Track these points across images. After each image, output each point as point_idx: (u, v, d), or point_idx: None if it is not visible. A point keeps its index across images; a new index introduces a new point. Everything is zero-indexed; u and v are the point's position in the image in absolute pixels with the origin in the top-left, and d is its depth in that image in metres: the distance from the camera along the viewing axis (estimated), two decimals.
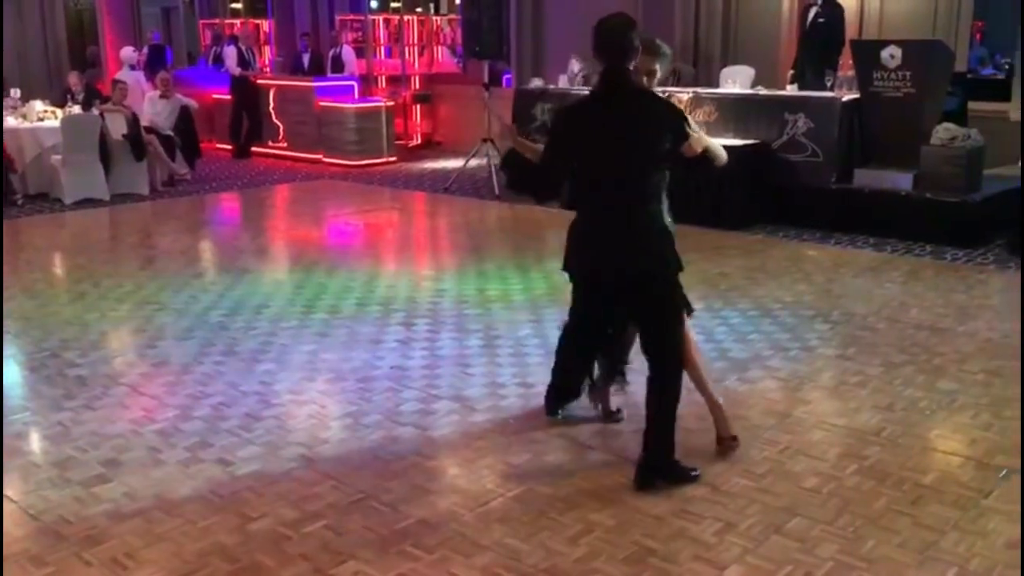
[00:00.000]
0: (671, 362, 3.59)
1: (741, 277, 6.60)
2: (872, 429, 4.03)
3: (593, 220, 3.64)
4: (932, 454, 3.89)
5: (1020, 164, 7.09)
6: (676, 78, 9.99)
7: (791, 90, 8.77)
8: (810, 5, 9.02)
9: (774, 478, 3.60)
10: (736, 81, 9.29)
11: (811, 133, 8.16)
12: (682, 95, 8.97)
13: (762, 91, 8.94)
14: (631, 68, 3.50)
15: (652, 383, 3.57)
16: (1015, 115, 9.01)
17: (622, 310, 3.77)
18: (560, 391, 4.17)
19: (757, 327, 5.45)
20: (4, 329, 5.48)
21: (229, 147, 13.04)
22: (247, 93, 12.75)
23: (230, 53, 12.75)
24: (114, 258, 7.62)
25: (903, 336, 5.25)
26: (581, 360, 4.08)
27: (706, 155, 3.70)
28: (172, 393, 4.49)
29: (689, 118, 3.66)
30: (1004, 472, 3.63)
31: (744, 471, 3.66)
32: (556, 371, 4.16)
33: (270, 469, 3.67)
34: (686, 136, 3.53)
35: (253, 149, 12.98)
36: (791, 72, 9.12)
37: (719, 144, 3.83)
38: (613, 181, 3.54)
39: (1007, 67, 9.43)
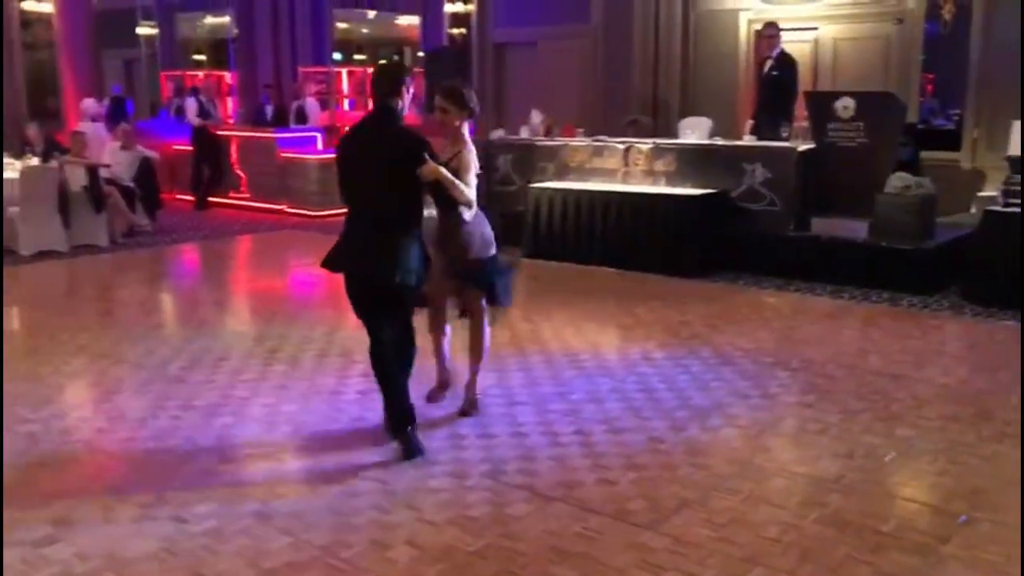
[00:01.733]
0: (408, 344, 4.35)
1: (702, 324, 6.65)
2: (832, 476, 4.05)
3: (349, 231, 4.24)
4: (891, 501, 3.91)
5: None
6: (636, 129, 10.15)
7: (748, 140, 8.94)
8: (766, 58, 9.24)
9: (736, 527, 3.59)
10: (695, 132, 9.46)
11: (769, 182, 8.30)
12: (642, 145, 9.10)
13: (720, 141, 9.10)
14: (394, 105, 4.14)
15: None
16: (966, 164, 9.26)
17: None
18: (399, 415, 4.32)
19: (718, 375, 5.47)
20: None
21: (191, 198, 12.98)
22: (207, 144, 12.74)
23: (190, 105, 12.76)
24: (71, 310, 7.51)
25: (861, 383, 5.30)
26: (396, 376, 4.32)
27: (440, 184, 4.20)
28: (126, 449, 4.40)
29: (428, 150, 4.14)
30: (963, 518, 3.66)
31: (706, 520, 3.64)
32: (385, 398, 4.37)
33: (225, 526, 3.59)
34: (422, 161, 4.06)
35: (215, 200, 12.93)
36: (750, 122, 9.30)
37: (466, 187, 4.31)
38: (361, 198, 4.18)
39: (956, 119, 9.70)
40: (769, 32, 9.19)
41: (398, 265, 4.09)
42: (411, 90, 4.22)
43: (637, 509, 3.73)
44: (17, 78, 12.69)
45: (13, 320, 7.38)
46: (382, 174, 4.10)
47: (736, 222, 8.43)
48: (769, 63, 9.13)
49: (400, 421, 4.31)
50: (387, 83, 4.19)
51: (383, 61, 18.01)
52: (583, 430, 4.58)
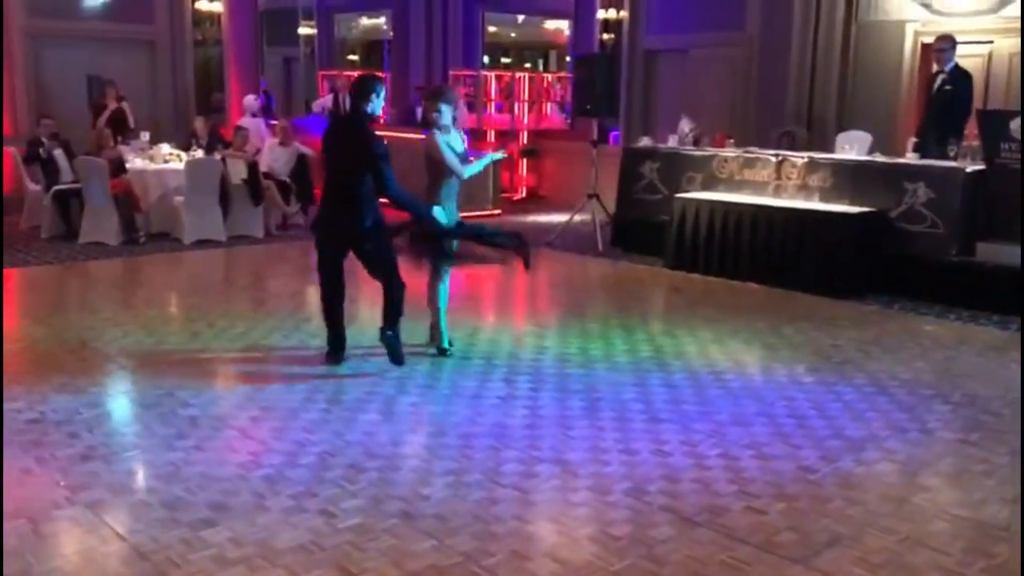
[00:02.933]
0: (394, 280, 5.67)
1: (854, 350, 6.37)
2: (1000, 524, 3.79)
3: (326, 199, 5.68)
4: None
5: None
6: (790, 141, 9.84)
7: (911, 157, 8.52)
8: (937, 72, 8.78)
9: (892, 570, 3.40)
10: (853, 146, 9.08)
11: (932, 203, 7.89)
12: (796, 159, 8.81)
13: (880, 158, 8.71)
14: (364, 107, 5.46)
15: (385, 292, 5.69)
16: None
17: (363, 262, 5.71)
18: (338, 341, 5.79)
19: (873, 404, 5.22)
20: (122, 366, 5.71)
21: None
22: None
23: (326, 102, 13.15)
24: (229, 298, 7.85)
25: None
26: (338, 310, 5.77)
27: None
28: (279, 439, 4.55)
29: (381, 144, 5.43)
30: None
31: (860, 559, 3.47)
32: (328, 326, 5.79)
33: (372, 524, 3.66)
34: (371, 153, 5.36)
35: None
36: (913, 140, 8.86)
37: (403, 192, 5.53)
38: (337, 175, 5.54)
39: None
40: (942, 45, 8.71)
41: (364, 217, 5.44)
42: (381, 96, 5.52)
43: (786, 541, 3.59)
44: (187, 74, 13.38)
45: (174, 305, 7.79)
46: (350, 159, 5.43)
47: (894, 243, 8.05)
48: (941, 77, 8.66)
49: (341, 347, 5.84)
50: (360, 89, 5.47)
51: (528, 65, 18.17)
52: (729, 453, 4.45)
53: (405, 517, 3.72)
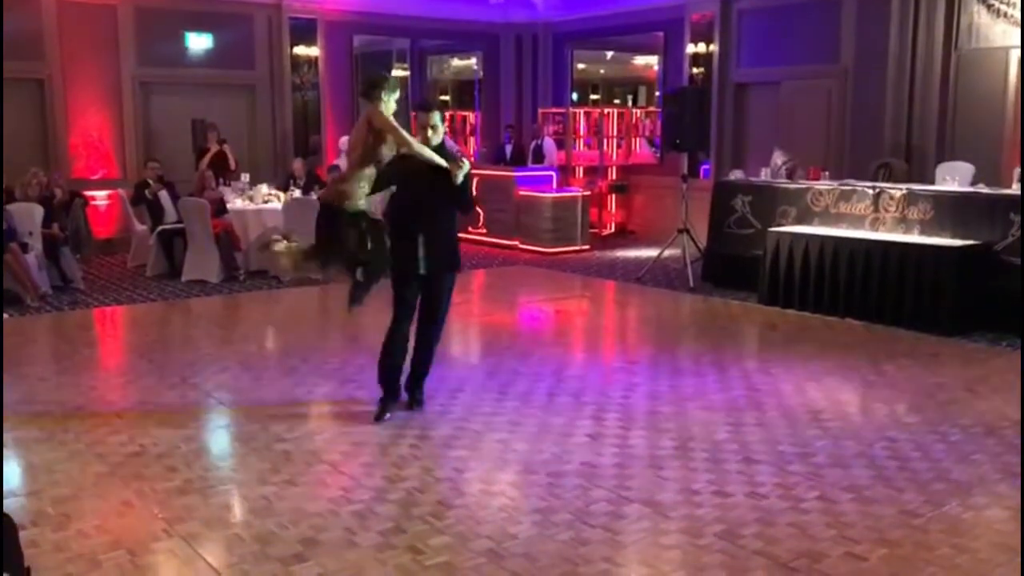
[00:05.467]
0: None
1: (960, 388, 6.10)
2: None
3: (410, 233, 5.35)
4: None
5: None
6: (888, 173, 9.58)
7: (1017, 188, 8.17)
8: None
9: None
10: (954, 178, 8.78)
11: None
12: (895, 191, 8.56)
13: (984, 189, 8.39)
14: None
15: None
16: None
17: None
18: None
19: (981, 446, 4.98)
20: (220, 400, 5.86)
21: None
22: None
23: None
24: (322, 335, 8.01)
25: None
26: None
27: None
28: (369, 474, 4.59)
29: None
30: None
31: None
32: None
33: (459, 562, 3.65)
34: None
35: None
36: (1018, 170, 8.51)
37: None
38: (423, 206, 5.32)
39: None
40: None
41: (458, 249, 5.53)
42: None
43: None
44: (286, 117, 13.82)
45: (271, 341, 7.98)
46: (436, 186, 5.22)
47: (1000, 277, 7.71)
48: None
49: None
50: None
51: (616, 101, 18.19)
52: (827, 496, 4.29)
53: (492, 556, 3.69)
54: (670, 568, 3.62)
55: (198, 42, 13.05)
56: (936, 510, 4.14)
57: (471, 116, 16.16)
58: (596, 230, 13.54)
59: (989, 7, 9.93)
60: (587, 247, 12.55)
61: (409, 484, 4.44)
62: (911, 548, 3.77)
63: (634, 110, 15.29)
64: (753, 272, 9.11)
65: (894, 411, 5.60)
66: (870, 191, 8.73)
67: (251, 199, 10.87)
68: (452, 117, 15.42)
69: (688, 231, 10.38)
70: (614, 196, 14.34)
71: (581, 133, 14.42)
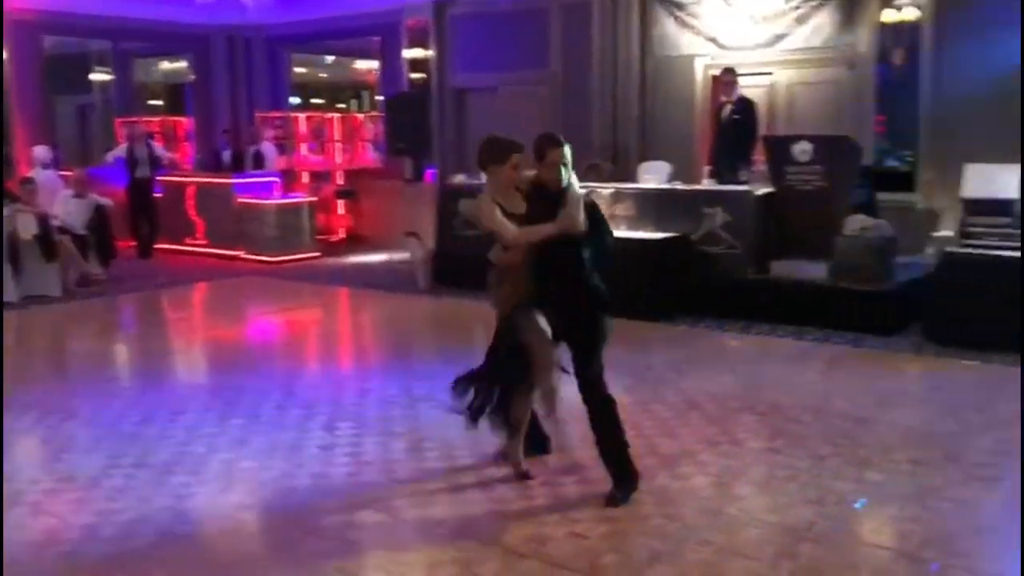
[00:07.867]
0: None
1: (667, 368, 6.61)
2: (804, 525, 4.00)
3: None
4: (863, 549, 3.87)
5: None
6: (597, 174, 10.17)
7: (707, 184, 9.00)
8: (724, 102, 9.34)
9: None
10: (654, 176, 9.51)
11: (728, 226, 8.34)
12: (602, 190, 9.11)
13: (679, 185, 9.15)
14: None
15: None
16: (921, 204, 9.40)
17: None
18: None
19: (685, 420, 5.43)
20: None
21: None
22: (143, 198, 12.63)
23: (119, 152, 12.72)
24: (20, 364, 7.27)
25: (829, 427, 5.28)
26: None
27: None
28: (78, 511, 4.22)
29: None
30: (935, 566, 3.62)
31: (680, 574, 3.57)
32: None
33: None
34: None
35: (171, 246, 12.74)
36: (707, 167, 9.37)
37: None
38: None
39: (909, 159, 9.86)
40: (727, 78, 9.31)
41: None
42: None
43: (610, 563, 3.65)
44: None
45: None
46: None
47: (697, 265, 8.45)
48: (729, 107, 9.23)
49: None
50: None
51: (341, 105, 18.06)
52: (551, 482, 4.49)
53: None
54: (406, 569, 3.63)
55: None
56: (649, 483, 4.45)
57: (183, 120, 15.35)
58: (325, 236, 13.34)
59: (676, 18, 10.83)
60: (316, 254, 12.32)
61: (124, 517, 4.13)
62: (628, 522, 4.03)
63: (358, 114, 15.21)
64: (482, 273, 9.32)
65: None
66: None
67: None
68: (163, 123, 14.59)
69: (415, 234, 10.47)
70: (342, 201, 14.19)
71: (303, 137, 14.13)
